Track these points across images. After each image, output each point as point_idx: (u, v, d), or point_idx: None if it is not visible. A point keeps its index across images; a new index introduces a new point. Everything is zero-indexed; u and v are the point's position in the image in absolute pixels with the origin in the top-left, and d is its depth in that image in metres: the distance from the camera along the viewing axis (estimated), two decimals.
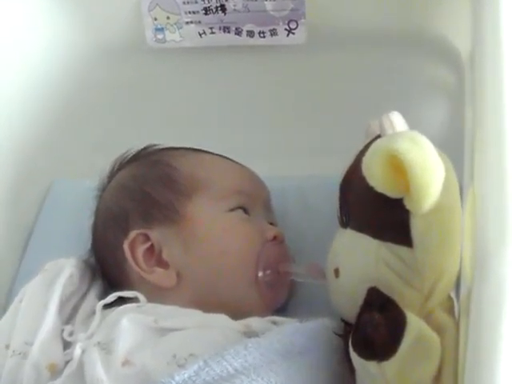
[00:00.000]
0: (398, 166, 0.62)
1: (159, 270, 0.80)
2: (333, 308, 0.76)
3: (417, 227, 0.65)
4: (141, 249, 0.81)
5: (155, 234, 0.81)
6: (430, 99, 0.94)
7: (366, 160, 0.64)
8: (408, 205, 0.64)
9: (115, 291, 0.84)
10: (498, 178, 0.57)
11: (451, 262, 0.67)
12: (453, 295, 0.71)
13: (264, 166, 0.92)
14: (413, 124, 0.89)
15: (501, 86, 0.62)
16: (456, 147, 0.84)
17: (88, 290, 0.85)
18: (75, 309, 0.83)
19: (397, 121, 0.67)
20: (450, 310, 0.71)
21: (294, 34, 0.95)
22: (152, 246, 0.81)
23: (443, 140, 0.91)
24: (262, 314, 0.79)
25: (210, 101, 1.02)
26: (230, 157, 0.89)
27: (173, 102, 1.02)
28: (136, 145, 0.93)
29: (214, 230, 0.81)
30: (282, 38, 0.96)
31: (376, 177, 0.63)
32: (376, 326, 0.62)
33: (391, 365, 0.62)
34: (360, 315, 0.65)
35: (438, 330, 0.66)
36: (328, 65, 0.96)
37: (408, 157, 0.60)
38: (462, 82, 0.88)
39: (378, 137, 0.70)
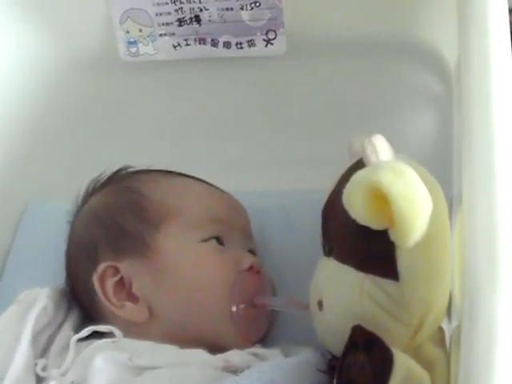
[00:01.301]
0: (380, 197, 0.58)
1: (129, 305, 0.77)
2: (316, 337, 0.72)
3: (403, 260, 0.61)
4: (110, 282, 0.77)
5: (125, 267, 0.77)
6: (417, 108, 0.91)
7: (346, 192, 0.60)
8: (393, 237, 0.60)
9: (91, 322, 0.82)
10: (487, 203, 0.54)
11: (440, 294, 0.63)
12: (443, 325, 0.68)
13: (244, 179, 0.88)
14: (399, 134, 0.86)
15: (488, 96, 0.59)
16: (444, 157, 0.81)
17: (64, 320, 0.82)
18: (50, 340, 0.80)
19: (380, 146, 0.63)
20: (441, 342, 0.67)
21: (272, 44, 0.91)
22: (122, 278, 0.78)
23: (431, 150, 0.88)
24: (241, 346, 0.75)
25: (187, 115, 0.98)
26: (208, 171, 0.85)
27: (149, 117, 0.98)
28: (111, 162, 0.89)
29: (184, 264, 0.77)
30: (260, 48, 0.91)
31: (357, 210, 0.59)
32: (361, 369, 0.59)
33: None
34: (344, 356, 0.61)
35: (428, 364, 0.63)
36: (309, 75, 0.92)
37: (391, 189, 0.56)
38: (449, 90, 0.85)
39: (361, 162, 0.66)
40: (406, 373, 0.60)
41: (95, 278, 0.77)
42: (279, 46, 0.91)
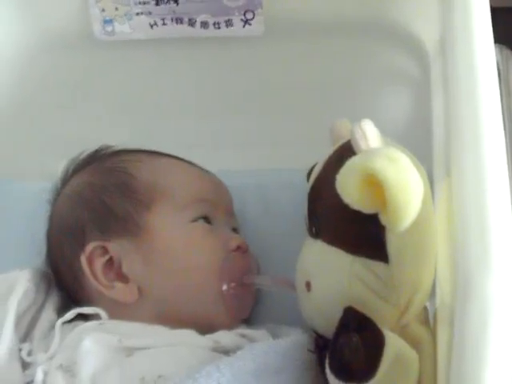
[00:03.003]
0: (373, 182, 0.59)
1: (119, 285, 0.77)
2: (302, 319, 0.74)
3: (393, 243, 0.63)
4: (99, 262, 0.77)
5: (114, 247, 0.77)
6: (393, 89, 0.91)
7: (340, 178, 0.61)
8: (384, 222, 0.62)
9: (74, 304, 0.82)
10: (478, 186, 0.56)
11: (427, 275, 0.65)
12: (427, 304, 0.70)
13: (221, 158, 0.88)
14: (376, 115, 0.87)
15: (474, 75, 0.61)
16: (422, 139, 0.82)
17: (44, 302, 0.81)
18: (32, 323, 0.79)
19: (369, 131, 0.64)
20: (425, 321, 0.69)
21: (250, 24, 0.91)
22: (111, 258, 0.77)
23: (408, 131, 0.90)
24: (229, 326, 0.77)
25: (163, 94, 0.97)
26: (185, 150, 0.85)
27: (124, 97, 0.97)
28: (87, 142, 0.88)
29: (175, 244, 0.77)
30: (237, 29, 0.91)
31: (351, 195, 0.60)
32: (354, 349, 0.60)
33: None
34: (337, 337, 0.62)
35: (415, 342, 0.65)
36: (287, 56, 0.92)
37: (386, 175, 0.57)
38: (426, 72, 0.86)
39: (349, 144, 0.68)
40: (397, 353, 0.62)
41: (83, 259, 0.77)
42: (257, 26, 0.90)
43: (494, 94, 0.60)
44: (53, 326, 0.79)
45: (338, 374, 0.61)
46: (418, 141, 0.79)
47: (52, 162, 0.94)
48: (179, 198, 0.79)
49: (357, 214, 0.63)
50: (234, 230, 0.84)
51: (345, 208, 0.65)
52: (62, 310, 0.81)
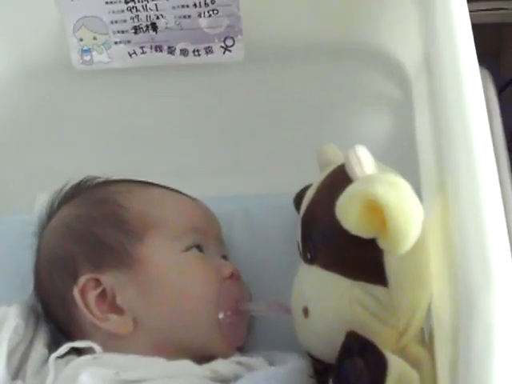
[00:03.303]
0: (373, 208, 0.60)
1: (114, 317, 0.76)
2: (296, 343, 0.74)
3: (391, 266, 0.64)
4: (92, 295, 0.76)
5: (107, 279, 0.76)
6: (375, 110, 0.93)
7: (340, 205, 0.61)
8: (383, 246, 0.62)
9: (64, 337, 0.81)
10: (474, 204, 0.56)
11: (425, 296, 0.66)
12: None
13: (204, 185, 0.88)
14: (358, 137, 0.88)
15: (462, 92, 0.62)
16: (404, 157, 0.83)
17: (33, 337, 0.80)
18: (22, 360, 0.78)
19: (363, 156, 0.65)
20: (423, 341, 0.70)
21: (230, 51, 0.91)
22: (104, 291, 0.77)
23: (390, 151, 0.91)
24: (225, 354, 0.77)
25: (145, 122, 0.97)
26: (168, 179, 0.85)
27: (104, 127, 0.97)
28: (67, 173, 0.87)
29: (170, 274, 0.77)
30: (218, 55, 0.91)
31: (352, 221, 0.61)
32: (359, 374, 0.61)
33: None
34: (340, 361, 0.63)
35: (414, 362, 0.66)
36: (268, 82, 0.93)
37: (387, 201, 0.58)
38: (407, 92, 0.87)
39: (342, 169, 0.68)
40: (400, 374, 0.62)
41: (76, 292, 0.76)
42: (237, 52, 0.91)
43: (482, 111, 0.62)
44: (44, 362, 0.78)
45: None
46: (401, 160, 0.80)
47: (32, 195, 0.93)
48: (171, 228, 0.79)
49: (354, 239, 0.64)
50: (224, 257, 0.84)
51: (342, 233, 0.65)
52: (52, 345, 0.80)
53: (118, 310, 0.76)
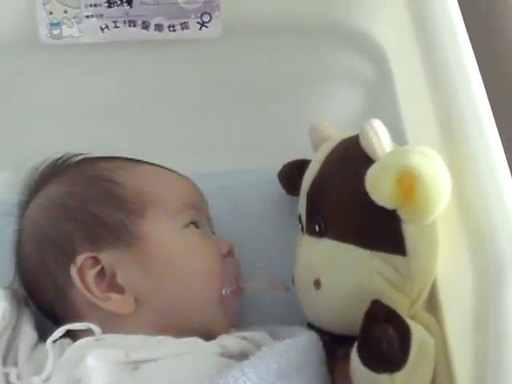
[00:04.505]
0: (401, 179, 0.62)
1: (115, 296, 0.74)
2: (308, 318, 0.75)
3: (410, 236, 0.66)
4: (91, 273, 0.74)
5: (106, 257, 0.74)
6: (350, 90, 0.94)
7: (372, 177, 0.63)
8: (408, 216, 0.64)
9: (51, 320, 0.78)
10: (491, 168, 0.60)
11: (436, 265, 0.68)
12: None
13: (181, 162, 0.86)
14: (332, 115, 0.89)
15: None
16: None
17: (18, 320, 0.77)
18: (8, 345, 0.75)
19: (380, 129, 0.67)
20: (426, 308, 0.73)
21: (207, 27, 0.90)
22: (102, 269, 0.74)
23: None
24: (225, 330, 0.76)
25: (115, 99, 0.94)
26: (144, 156, 0.83)
27: (72, 103, 0.93)
28: (34, 149, 0.84)
29: (173, 251, 0.75)
30: (193, 31, 0.90)
31: (383, 193, 0.63)
32: (390, 340, 0.62)
33: (402, 375, 0.63)
34: (368, 329, 0.64)
35: (424, 328, 0.68)
36: (243, 58, 0.93)
37: (421, 172, 0.60)
38: (385, 71, 0.89)
39: (351, 142, 0.70)
40: (421, 340, 0.65)
41: (74, 271, 0.73)
42: (214, 29, 0.90)
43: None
44: (34, 346, 0.75)
45: (373, 365, 0.63)
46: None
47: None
48: (170, 205, 0.77)
49: (373, 211, 0.66)
50: (213, 233, 0.84)
51: (358, 205, 0.67)
52: (40, 329, 0.77)
53: (118, 289, 0.74)
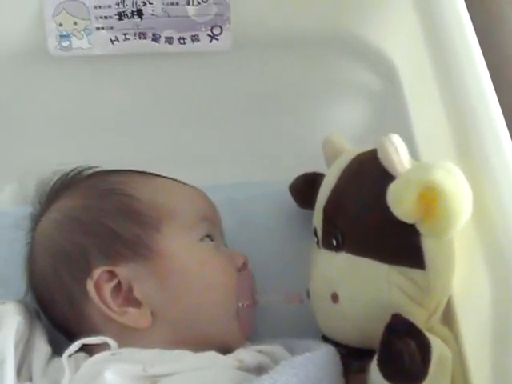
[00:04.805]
0: (422, 194, 0.62)
1: (132, 310, 0.74)
2: (323, 331, 0.75)
3: (430, 250, 0.66)
4: (107, 288, 0.73)
5: (123, 271, 0.74)
6: (358, 101, 0.94)
7: (396, 191, 0.63)
8: (428, 230, 0.65)
9: (62, 334, 0.78)
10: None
11: (454, 278, 0.69)
12: None
13: (190, 174, 0.87)
14: (340, 127, 0.90)
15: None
16: None
17: (31, 335, 0.76)
18: (23, 359, 0.74)
19: (399, 144, 0.67)
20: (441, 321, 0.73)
21: (217, 40, 0.90)
22: (119, 283, 0.74)
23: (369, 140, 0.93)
24: (241, 344, 0.76)
25: (125, 111, 0.94)
26: (152, 168, 0.83)
27: (82, 115, 0.93)
28: (43, 162, 0.83)
29: (190, 264, 0.75)
30: (204, 44, 0.90)
31: (405, 207, 0.63)
32: (412, 354, 0.63)
33: None
34: (390, 343, 0.64)
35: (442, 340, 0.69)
36: (253, 70, 0.93)
37: (444, 188, 0.60)
38: (394, 82, 0.90)
39: (369, 156, 0.70)
40: (440, 354, 0.65)
41: (91, 285, 0.73)
42: (224, 41, 0.90)
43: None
44: (48, 361, 0.75)
45: (394, 379, 0.63)
46: None
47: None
48: (185, 218, 0.77)
49: (391, 224, 0.66)
50: (225, 246, 0.84)
51: (377, 219, 0.68)
52: (51, 343, 0.77)
53: (135, 303, 0.74)
